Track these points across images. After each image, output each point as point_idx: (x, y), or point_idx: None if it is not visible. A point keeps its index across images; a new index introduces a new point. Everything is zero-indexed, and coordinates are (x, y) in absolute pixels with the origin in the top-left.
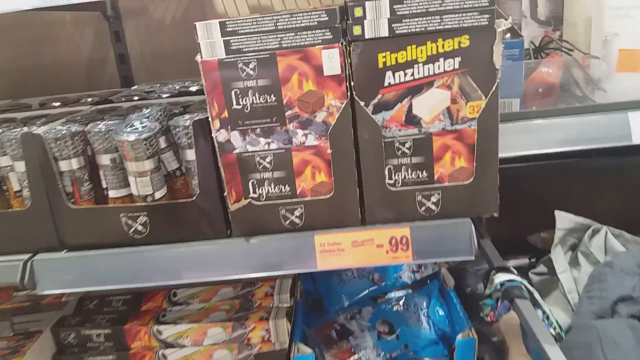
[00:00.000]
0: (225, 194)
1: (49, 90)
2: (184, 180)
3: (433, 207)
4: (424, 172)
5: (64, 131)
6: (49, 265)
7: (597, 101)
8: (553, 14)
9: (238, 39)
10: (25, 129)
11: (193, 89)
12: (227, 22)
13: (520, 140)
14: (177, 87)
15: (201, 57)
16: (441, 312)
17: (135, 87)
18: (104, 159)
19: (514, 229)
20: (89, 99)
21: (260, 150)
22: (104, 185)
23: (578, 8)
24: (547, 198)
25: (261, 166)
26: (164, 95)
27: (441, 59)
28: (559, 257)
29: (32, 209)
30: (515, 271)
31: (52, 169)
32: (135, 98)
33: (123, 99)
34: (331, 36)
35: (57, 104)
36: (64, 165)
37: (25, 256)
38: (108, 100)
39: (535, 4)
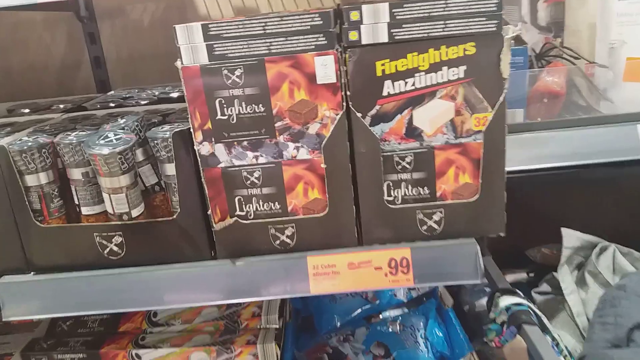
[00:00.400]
0: (209, 212)
1: (19, 96)
2: (163, 196)
3: (435, 226)
4: (426, 188)
5: (31, 143)
6: (16, 289)
7: (603, 112)
8: (554, 20)
9: (222, 43)
10: None
11: (174, 95)
12: (210, 25)
13: (524, 154)
14: (156, 93)
15: (182, 63)
16: (439, 334)
17: (112, 92)
18: (76, 174)
19: (510, 242)
20: (61, 106)
21: (247, 165)
22: (76, 202)
23: (581, 14)
24: (545, 210)
25: (248, 182)
26: (143, 102)
27: (445, 68)
28: (566, 277)
29: None
30: (521, 294)
31: (17, 184)
32: (112, 105)
33: (98, 106)
34: (325, 42)
35: (26, 110)
36: (30, 180)
37: None
38: (81, 107)
39: (535, 9)
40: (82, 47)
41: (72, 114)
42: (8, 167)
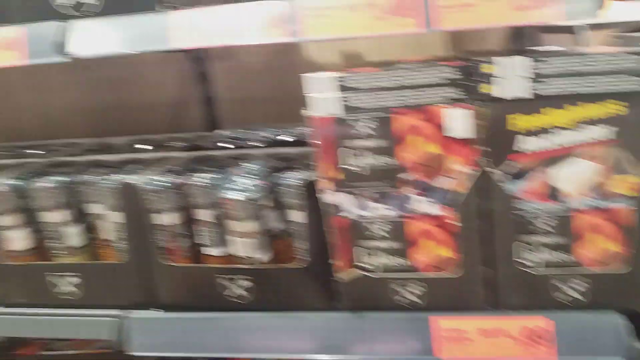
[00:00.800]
0: (334, 262)
1: (130, 129)
2: (286, 242)
3: (576, 295)
4: (566, 253)
5: (164, 183)
6: (144, 324)
7: None
8: None
9: (354, 94)
10: (120, 177)
11: (286, 138)
12: (342, 77)
13: None
14: (267, 136)
15: (312, 113)
16: None
17: (221, 131)
18: (204, 215)
19: None
20: (178, 143)
21: (374, 217)
22: (202, 242)
23: None
24: None
25: (375, 234)
26: (256, 144)
27: (588, 126)
28: None
29: (126, 263)
30: None
31: (149, 222)
32: (226, 145)
33: (212, 144)
34: (459, 95)
35: (144, 146)
36: (161, 219)
37: (119, 312)
38: (197, 146)
39: None
40: (194, 87)
41: (193, 153)
42: (140, 206)
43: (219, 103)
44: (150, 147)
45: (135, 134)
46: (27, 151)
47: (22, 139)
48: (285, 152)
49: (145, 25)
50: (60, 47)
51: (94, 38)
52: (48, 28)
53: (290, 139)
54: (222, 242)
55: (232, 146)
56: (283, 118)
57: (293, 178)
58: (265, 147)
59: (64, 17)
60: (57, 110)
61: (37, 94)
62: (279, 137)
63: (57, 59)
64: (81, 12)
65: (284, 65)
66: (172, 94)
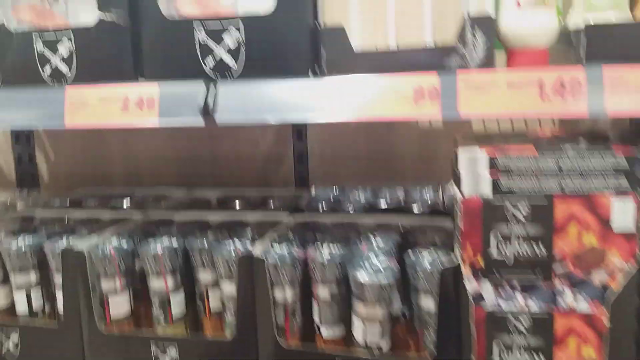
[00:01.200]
0: (466, 356)
1: (221, 180)
2: (407, 327)
3: None
4: None
5: (285, 256)
6: None
7: None
8: None
9: (509, 176)
10: (234, 245)
11: (381, 203)
12: (497, 157)
13: None
14: (360, 198)
15: (461, 193)
16: None
17: (314, 191)
18: (324, 291)
19: None
20: (275, 202)
21: (516, 309)
22: (317, 320)
23: None
24: None
25: (515, 328)
26: (352, 210)
27: None
28: None
29: (236, 339)
30: None
31: (266, 297)
32: (321, 209)
33: (313, 205)
34: (627, 184)
35: (238, 203)
36: (279, 294)
37: None
38: (297, 208)
39: None
40: (288, 142)
41: (297, 215)
42: (262, 280)
43: (312, 159)
44: (239, 203)
45: (224, 186)
46: (119, 200)
47: (110, 184)
48: (400, 223)
49: (295, 93)
50: (206, 111)
51: (239, 103)
52: (195, 89)
53: (383, 205)
54: (341, 323)
55: (339, 210)
56: (374, 177)
57: (427, 260)
58: (379, 214)
59: (206, 77)
60: (146, 157)
61: (128, 140)
62: (377, 201)
63: (200, 122)
64: (220, 73)
65: (379, 126)
66: (266, 148)
